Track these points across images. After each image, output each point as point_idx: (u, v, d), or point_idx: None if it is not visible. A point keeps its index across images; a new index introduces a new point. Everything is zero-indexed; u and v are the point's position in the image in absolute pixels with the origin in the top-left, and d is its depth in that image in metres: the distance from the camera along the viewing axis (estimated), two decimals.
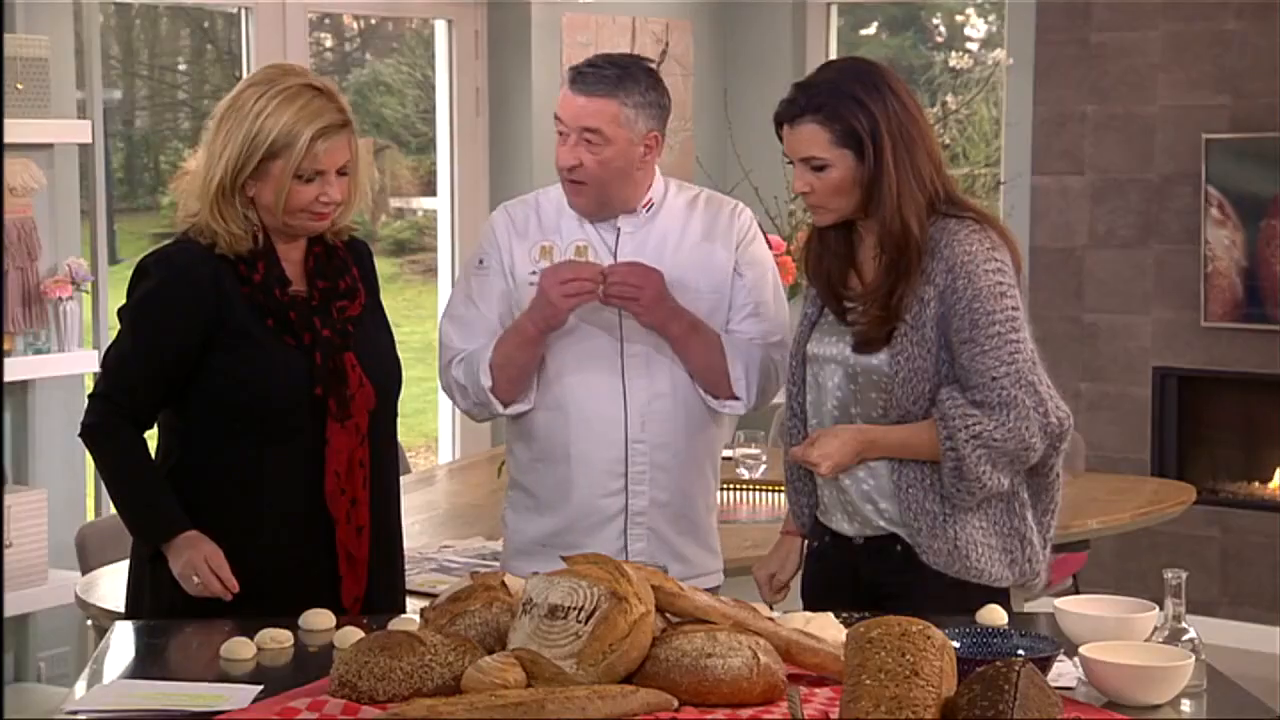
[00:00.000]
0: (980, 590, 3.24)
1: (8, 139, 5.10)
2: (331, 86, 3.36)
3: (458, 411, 7.11)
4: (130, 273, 3.36)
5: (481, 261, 3.66)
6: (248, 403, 3.26)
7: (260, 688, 2.76)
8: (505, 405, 3.59)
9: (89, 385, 5.57)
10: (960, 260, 3.20)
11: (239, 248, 3.28)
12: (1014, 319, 3.22)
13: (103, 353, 3.43)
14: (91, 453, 3.38)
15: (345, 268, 3.43)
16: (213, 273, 3.27)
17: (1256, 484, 6.90)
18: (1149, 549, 6.80)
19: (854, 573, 3.35)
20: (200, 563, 3.19)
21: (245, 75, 6.23)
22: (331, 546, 3.32)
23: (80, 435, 3.34)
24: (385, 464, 3.42)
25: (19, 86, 5.17)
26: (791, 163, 3.30)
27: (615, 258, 3.59)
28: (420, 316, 9.83)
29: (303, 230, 3.34)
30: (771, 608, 3.37)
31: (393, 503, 3.48)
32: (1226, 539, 6.77)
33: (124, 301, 3.36)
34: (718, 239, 3.66)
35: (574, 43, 7.07)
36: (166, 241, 3.41)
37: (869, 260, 3.32)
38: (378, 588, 3.38)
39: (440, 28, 7.03)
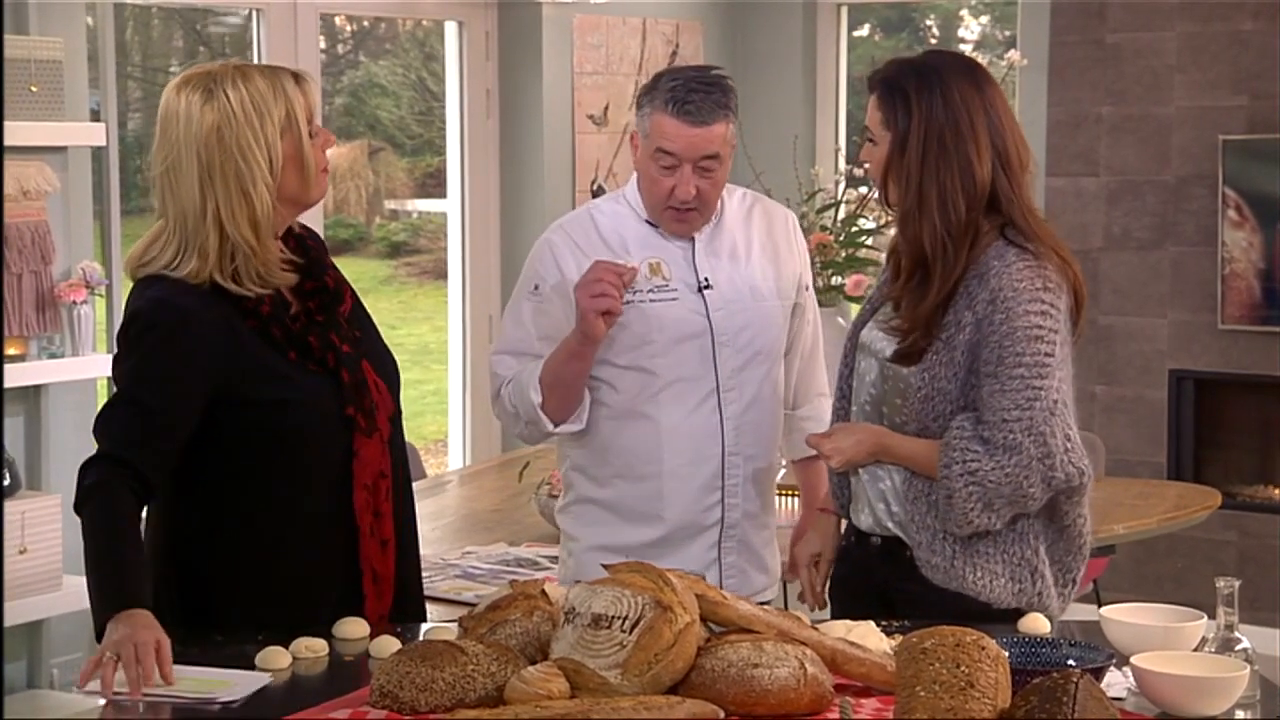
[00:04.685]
0: (981, 607, 3.19)
1: (22, 141, 5.07)
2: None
3: (469, 414, 7.11)
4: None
5: (536, 287, 3.53)
6: (282, 443, 3.08)
7: (268, 677, 2.76)
8: (555, 424, 3.48)
9: (103, 390, 5.53)
10: (1005, 295, 3.13)
11: (280, 279, 3.07)
12: (1043, 365, 3.12)
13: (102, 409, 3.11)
14: (81, 515, 2.98)
15: (322, 259, 3.23)
16: (221, 316, 3.04)
17: (1274, 488, 6.87)
18: (1166, 553, 6.77)
19: (870, 574, 3.33)
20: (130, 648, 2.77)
21: None
22: (354, 565, 3.16)
23: (75, 506, 3.00)
24: (403, 472, 3.29)
25: (33, 89, 5.13)
26: None
27: (696, 270, 3.52)
28: (416, 319, 9.81)
29: (319, 196, 3.16)
30: (813, 610, 3.36)
31: (411, 512, 3.34)
32: (1244, 543, 6.74)
33: (121, 346, 3.10)
34: (780, 245, 3.62)
35: (585, 44, 7.04)
36: (147, 282, 3.08)
37: None
38: (401, 603, 3.24)
39: (450, 29, 6.99)
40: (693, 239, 3.53)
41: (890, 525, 3.28)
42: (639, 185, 3.54)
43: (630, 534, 3.51)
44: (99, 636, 2.86)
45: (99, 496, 2.96)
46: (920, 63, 3.26)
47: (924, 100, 3.18)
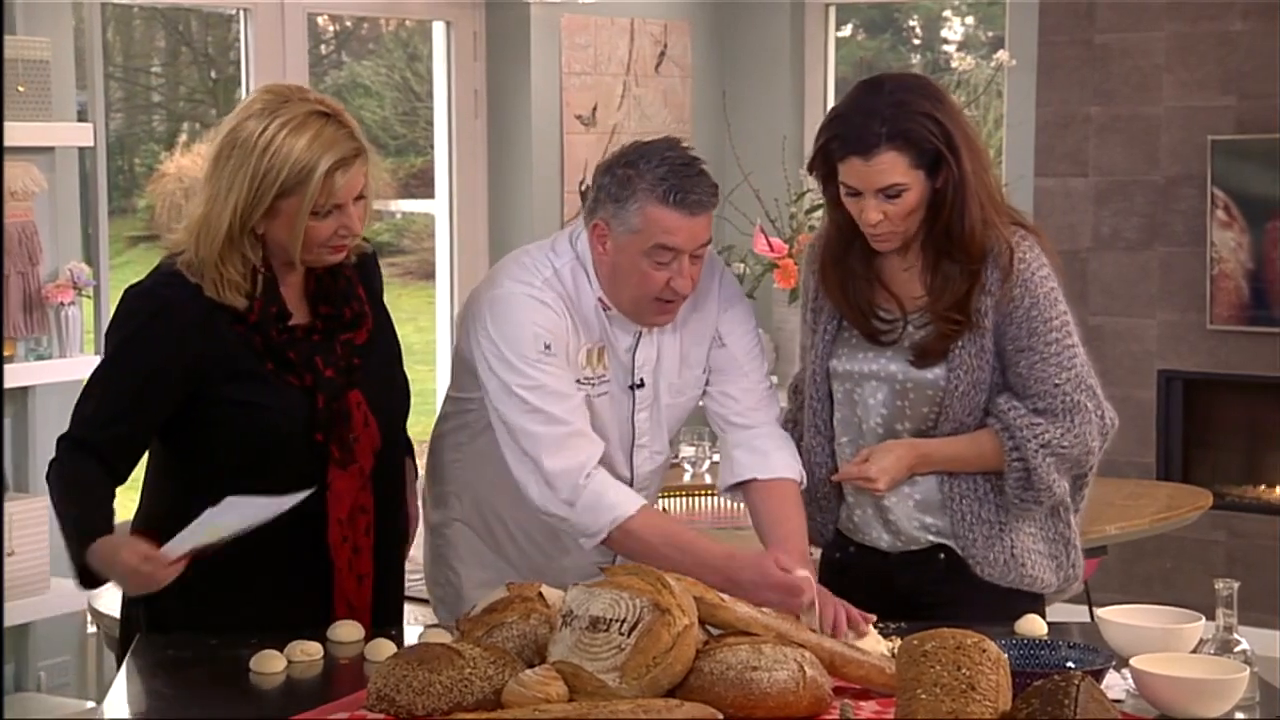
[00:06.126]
0: (1024, 597, 3.22)
1: (9, 142, 5.04)
2: (339, 108, 3.10)
3: None
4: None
5: (548, 347, 3.19)
6: (246, 448, 3.05)
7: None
8: (592, 543, 3.19)
9: None
10: (1017, 269, 3.16)
11: (230, 299, 3.02)
12: (1067, 324, 3.20)
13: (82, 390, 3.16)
14: (51, 493, 3.05)
15: (351, 291, 3.19)
16: (203, 312, 3.02)
17: (1263, 487, 6.88)
18: (1154, 553, 6.77)
19: (887, 583, 3.29)
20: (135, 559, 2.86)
21: (239, 77, 6.23)
22: (330, 596, 3.13)
23: (47, 479, 3.07)
24: (390, 507, 3.23)
25: (20, 89, 5.10)
26: (852, 194, 3.14)
27: (634, 367, 3.29)
28: (400, 319, 9.79)
29: (319, 264, 3.11)
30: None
31: (397, 547, 3.29)
32: (1233, 543, 6.75)
33: (108, 332, 3.13)
34: (699, 302, 3.36)
35: (573, 44, 7.02)
36: (161, 261, 3.12)
37: (900, 274, 3.24)
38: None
39: (438, 29, 6.98)
40: (639, 333, 3.29)
41: (930, 538, 3.26)
42: (608, 279, 3.24)
43: (514, 578, 3.20)
44: (83, 579, 2.95)
45: (56, 467, 3.04)
46: (905, 92, 3.13)
47: (943, 110, 3.13)
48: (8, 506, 5.10)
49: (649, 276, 3.17)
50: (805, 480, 3.32)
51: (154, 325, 3.03)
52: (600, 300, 3.27)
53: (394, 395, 3.24)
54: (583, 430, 3.19)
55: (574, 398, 3.21)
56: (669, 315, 3.26)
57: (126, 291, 3.11)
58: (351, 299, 3.19)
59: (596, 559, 3.30)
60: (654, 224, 3.14)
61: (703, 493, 5.01)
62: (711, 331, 3.37)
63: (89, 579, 2.95)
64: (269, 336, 3.06)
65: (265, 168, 2.98)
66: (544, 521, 3.25)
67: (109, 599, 4.03)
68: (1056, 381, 3.17)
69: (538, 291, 3.24)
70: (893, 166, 3.10)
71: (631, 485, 3.28)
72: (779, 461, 3.30)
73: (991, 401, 3.20)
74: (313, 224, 3.02)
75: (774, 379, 3.65)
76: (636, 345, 3.30)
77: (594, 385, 3.26)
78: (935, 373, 3.19)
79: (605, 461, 3.23)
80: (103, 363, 3.11)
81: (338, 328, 3.15)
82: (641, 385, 3.31)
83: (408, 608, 3.75)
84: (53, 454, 3.07)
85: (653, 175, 3.14)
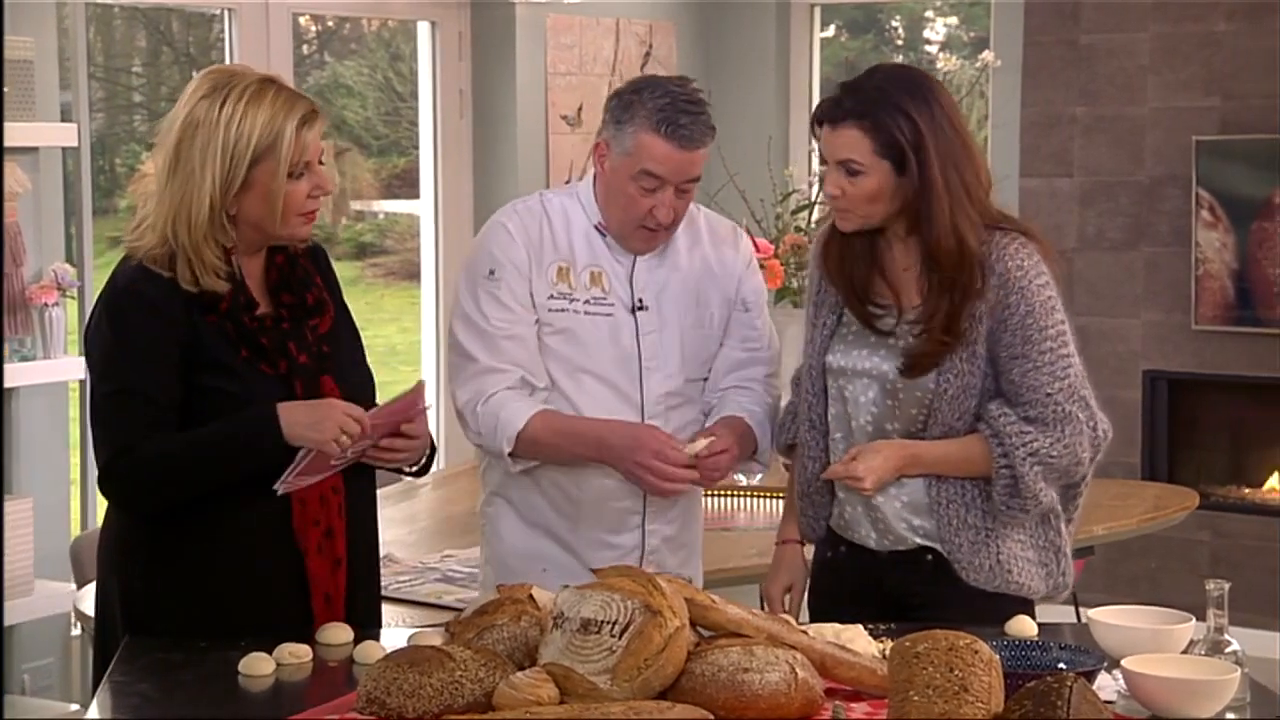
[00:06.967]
0: (1012, 601, 3.21)
1: None
2: (278, 76, 3.14)
3: (442, 417, 7.07)
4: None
5: (493, 272, 3.43)
6: None
7: None
8: (515, 463, 3.41)
9: (75, 392, 5.49)
10: (1013, 275, 3.14)
11: (210, 283, 3.04)
12: (1064, 333, 3.18)
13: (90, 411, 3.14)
14: (146, 498, 3.06)
15: (310, 279, 3.22)
16: (181, 303, 3.04)
17: (1247, 488, 6.89)
18: (1140, 553, 6.77)
19: (877, 583, 3.29)
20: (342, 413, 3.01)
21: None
22: (304, 583, 3.11)
23: (121, 508, 3.10)
24: (360, 491, 3.22)
25: (4, 89, 5.08)
26: (824, 163, 3.21)
27: (632, 288, 3.45)
28: (381, 320, 9.78)
29: (293, 239, 3.14)
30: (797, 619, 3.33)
31: (370, 532, 3.28)
32: (1218, 543, 6.76)
33: (97, 339, 3.10)
34: (724, 256, 3.54)
35: (558, 44, 7.02)
36: (122, 264, 3.12)
37: (899, 271, 3.23)
38: (355, 625, 3.13)
39: (423, 29, 6.97)
40: (634, 258, 3.45)
41: (917, 540, 3.25)
42: (603, 198, 3.45)
43: (541, 545, 3.47)
44: (277, 454, 3.00)
45: (143, 465, 3.01)
46: (892, 81, 3.16)
47: (926, 112, 3.13)
48: None
49: (635, 201, 3.36)
50: (759, 436, 3.48)
51: (144, 317, 3.04)
52: (599, 226, 3.45)
53: (361, 383, 3.26)
54: (493, 366, 3.41)
55: (495, 333, 3.40)
56: (652, 244, 3.44)
57: (104, 295, 3.11)
58: (311, 285, 3.22)
59: (622, 501, 3.43)
60: (644, 150, 3.32)
61: (758, 494, 5.02)
62: (732, 284, 3.54)
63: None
64: (242, 324, 3.08)
65: (235, 138, 3.03)
66: (566, 467, 3.42)
67: (94, 601, 4.00)
68: (1049, 391, 3.16)
69: (504, 217, 3.47)
70: (853, 143, 3.15)
71: (642, 409, 3.44)
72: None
73: (983, 407, 3.20)
74: (290, 188, 3.07)
75: None
76: (633, 269, 3.45)
77: (578, 302, 3.43)
78: (926, 376, 3.19)
79: (610, 384, 3.43)
80: (115, 370, 3.05)
81: (303, 314, 3.18)
82: (644, 307, 3.45)
83: (392, 609, 3.76)
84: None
85: (653, 104, 3.32)
